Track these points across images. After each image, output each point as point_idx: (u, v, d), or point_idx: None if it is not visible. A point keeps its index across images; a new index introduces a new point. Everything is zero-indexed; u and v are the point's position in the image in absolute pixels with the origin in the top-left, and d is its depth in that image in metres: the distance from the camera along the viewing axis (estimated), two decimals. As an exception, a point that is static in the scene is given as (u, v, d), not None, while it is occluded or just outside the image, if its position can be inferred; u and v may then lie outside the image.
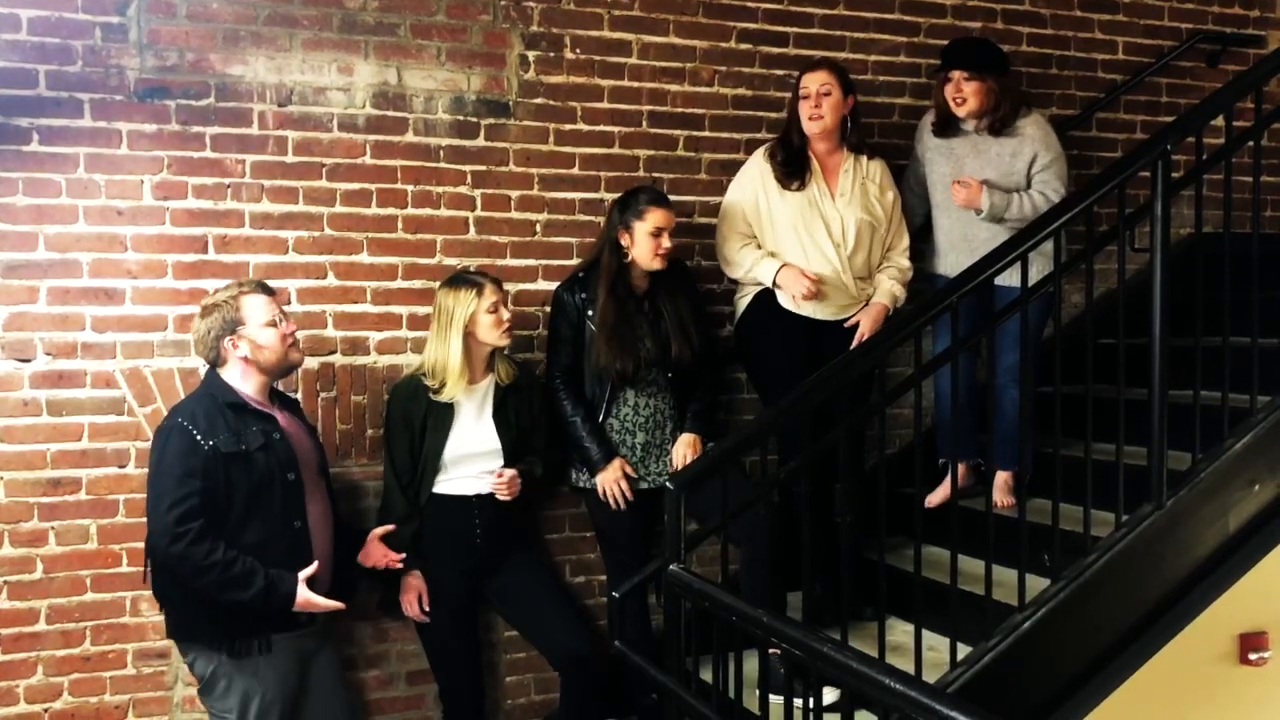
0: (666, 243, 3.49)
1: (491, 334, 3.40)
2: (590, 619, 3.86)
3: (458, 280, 3.44)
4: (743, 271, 3.68)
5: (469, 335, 3.39)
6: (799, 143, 3.65)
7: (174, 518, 2.86)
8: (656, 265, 3.51)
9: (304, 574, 2.97)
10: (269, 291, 3.13)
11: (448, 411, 3.42)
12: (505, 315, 3.41)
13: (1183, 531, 3.08)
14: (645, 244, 3.49)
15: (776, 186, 3.62)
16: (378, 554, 3.33)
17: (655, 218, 3.48)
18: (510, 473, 3.42)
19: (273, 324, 3.07)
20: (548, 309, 3.75)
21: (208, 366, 3.11)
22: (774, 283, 3.60)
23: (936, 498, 3.76)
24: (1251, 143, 3.19)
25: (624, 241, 3.51)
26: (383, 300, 3.64)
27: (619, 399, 3.56)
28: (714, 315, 3.92)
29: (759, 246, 3.67)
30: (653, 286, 3.59)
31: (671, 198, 3.64)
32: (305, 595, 2.96)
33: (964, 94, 3.80)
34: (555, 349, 3.58)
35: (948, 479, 3.76)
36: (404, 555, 3.34)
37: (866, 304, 3.70)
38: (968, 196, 3.74)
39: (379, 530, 3.34)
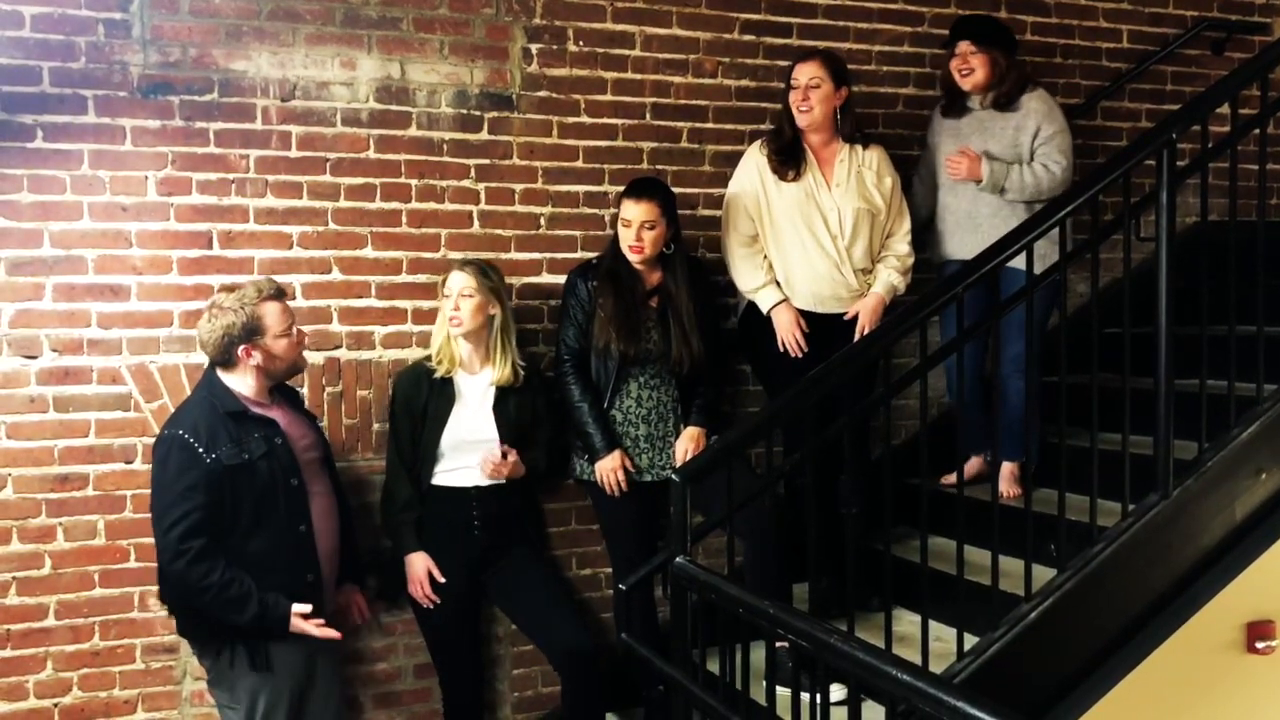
0: (632, 236, 3.45)
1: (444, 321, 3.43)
2: (595, 612, 3.87)
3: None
4: (743, 288, 3.69)
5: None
6: (791, 134, 3.63)
7: (176, 535, 2.87)
8: (632, 257, 3.49)
9: (298, 608, 2.96)
10: (284, 295, 3.12)
11: (448, 399, 3.43)
12: (450, 309, 3.39)
13: (1189, 521, 3.08)
14: (620, 234, 3.51)
15: (773, 178, 3.62)
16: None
17: (623, 209, 3.51)
18: (512, 458, 3.42)
19: (287, 334, 3.07)
20: (553, 302, 3.77)
21: (208, 365, 3.09)
22: (767, 312, 3.63)
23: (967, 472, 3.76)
24: (1257, 130, 3.18)
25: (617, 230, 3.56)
26: (387, 295, 3.65)
27: (623, 390, 3.56)
28: (719, 307, 3.91)
29: (762, 250, 3.66)
30: (664, 283, 3.58)
31: (675, 190, 3.63)
32: (298, 625, 2.96)
33: (971, 65, 3.81)
34: (565, 331, 3.58)
35: (970, 462, 3.86)
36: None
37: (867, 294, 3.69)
38: (968, 168, 3.75)
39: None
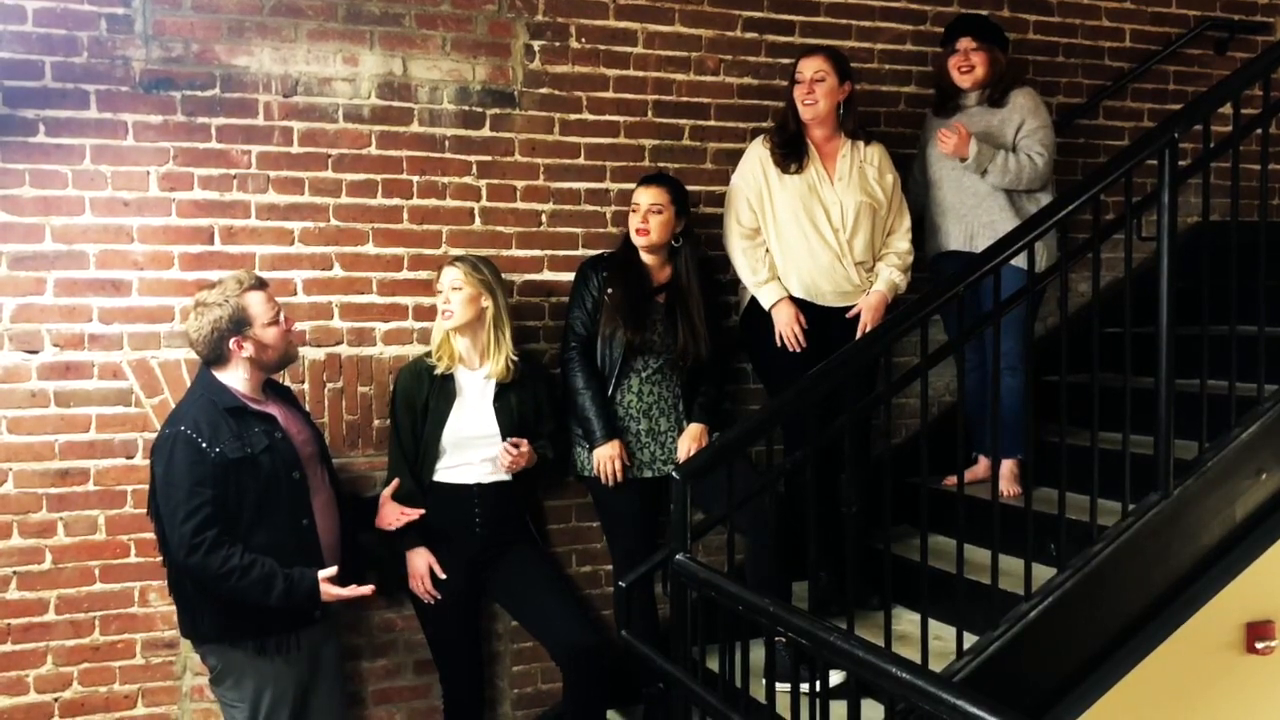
0: (639, 219, 3.54)
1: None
2: (596, 609, 3.87)
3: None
4: (745, 282, 3.71)
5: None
6: (795, 128, 3.67)
7: (189, 529, 2.86)
8: (639, 241, 3.56)
9: (324, 574, 2.96)
10: (265, 285, 3.10)
11: (448, 395, 3.44)
12: (440, 303, 3.42)
13: (1189, 521, 3.08)
14: (629, 220, 3.59)
15: (776, 171, 3.64)
16: (392, 514, 3.33)
17: (635, 194, 3.59)
18: (524, 448, 3.40)
19: (275, 321, 3.06)
20: (553, 300, 3.77)
21: (201, 365, 3.08)
22: (768, 308, 3.64)
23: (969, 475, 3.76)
24: (1259, 130, 3.17)
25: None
26: (388, 291, 3.65)
27: (624, 384, 3.57)
28: (720, 304, 3.91)
29: (764, 243, 3.67)
30: (673, 278, 3.61)
31: (676, 187, 3.64)
32: (330, 592, 2.95)
33: (972, 62, 3.89)
34: (573, 317, 3.60)
35: (978, 464, 3.87)
36: (421, 511, 3.33)
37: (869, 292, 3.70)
38: (956, 144, 3.79)
39: (388, 490, 3.35)
